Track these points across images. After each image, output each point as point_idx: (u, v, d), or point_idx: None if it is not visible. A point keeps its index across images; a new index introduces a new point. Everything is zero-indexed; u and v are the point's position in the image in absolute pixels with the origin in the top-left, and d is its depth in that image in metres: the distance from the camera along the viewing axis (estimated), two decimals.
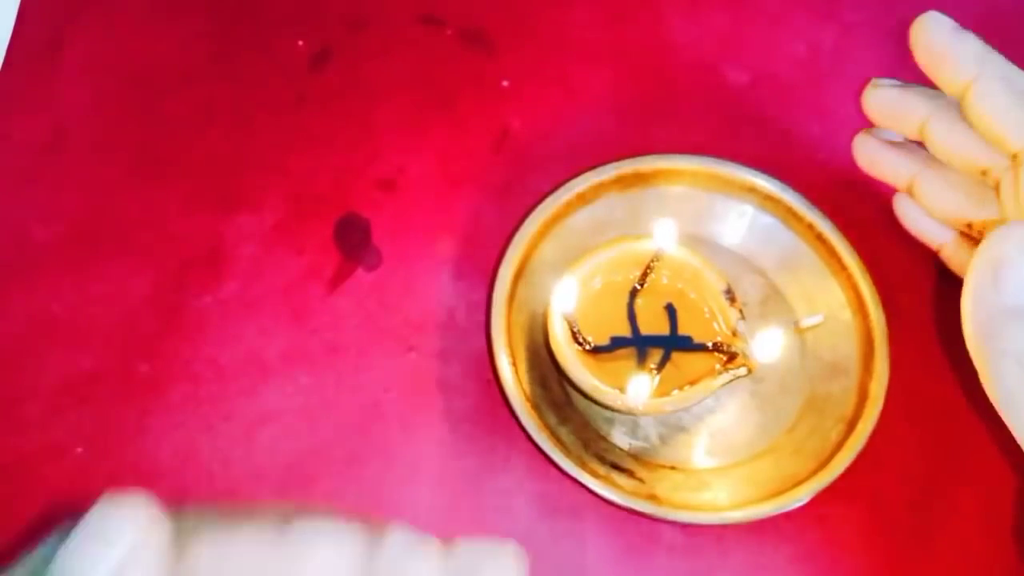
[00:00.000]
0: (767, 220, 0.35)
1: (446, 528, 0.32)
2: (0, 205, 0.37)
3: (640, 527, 0.32)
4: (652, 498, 0.30)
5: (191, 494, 0.32)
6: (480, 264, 0.35)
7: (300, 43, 0.40)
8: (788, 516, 0.32)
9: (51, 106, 0.39)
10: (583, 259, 0.33)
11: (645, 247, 0.33)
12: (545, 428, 0.30)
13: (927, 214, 0.31)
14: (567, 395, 0.33)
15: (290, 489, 0.32)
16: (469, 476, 0.32)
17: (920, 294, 0.35)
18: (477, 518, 0.32)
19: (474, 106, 0.39)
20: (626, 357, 0.32)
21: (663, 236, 0.33)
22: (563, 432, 0.31)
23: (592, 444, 0.32)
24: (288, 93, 0.39)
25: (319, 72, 0.40)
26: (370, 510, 0.32)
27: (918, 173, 0.30)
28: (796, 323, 0.33)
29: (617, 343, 0.32)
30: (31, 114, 0.39)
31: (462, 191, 0.37)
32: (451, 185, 0.37)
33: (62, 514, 0.32)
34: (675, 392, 0.31)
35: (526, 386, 0.31)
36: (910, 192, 0.31)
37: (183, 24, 0.41)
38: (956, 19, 0.28)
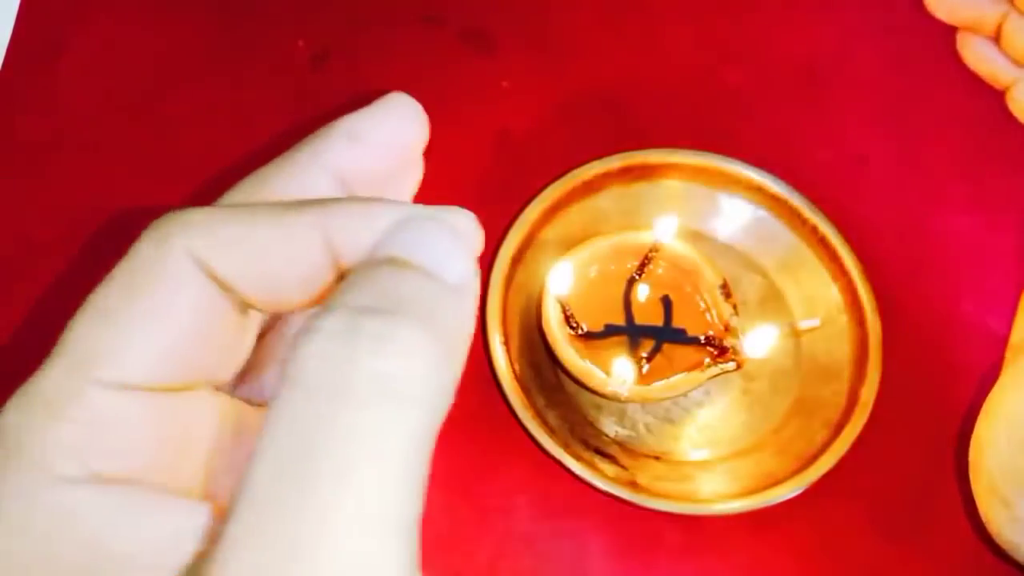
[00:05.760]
0: (771, 220, 0.35)
1: (446, 528, 0.32)
2: (0, 205, 0.37)
3: (642, 528, 0.32)
4: (632, 485, 0.30)
5: None
6: (479, 264, 0.35)
7: (300, 43, 0.40)
8: (791, 517, 0.32)
9: (51, 106, 0.39)
10: (582, 245, 0.33)
11: (645, 238, 0.33)
12: (532, 408, 0.30)
13: (1001, 52, 0.29)
14: (558, 379, 0.33)
15: None
16: (469, 476, 0.32)
17: (920, 295, 0.35)
18: (477, 518, 0.32)
19: (474, 106, 0.39)
20: (618, 345, 0.32)
21: (663, 229, 0.33)
22: (551, 415, 0.31)
23: (578, 429, 0.32)
24: (288, 93, 0.39)
25: (319, 72, 0.40)
26: None
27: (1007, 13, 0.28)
28: (793, 325, 0.33)
29: (610, 330, 0.32)
30: (31, 114, 0.38)
31: (462, 191, 0.37)
32: (451, 185, 0.37)
33: None
34: (661, 381, 0.31)
35: (517, 367, 0.31)
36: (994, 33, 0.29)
37: (183, 24, 0.41)
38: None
